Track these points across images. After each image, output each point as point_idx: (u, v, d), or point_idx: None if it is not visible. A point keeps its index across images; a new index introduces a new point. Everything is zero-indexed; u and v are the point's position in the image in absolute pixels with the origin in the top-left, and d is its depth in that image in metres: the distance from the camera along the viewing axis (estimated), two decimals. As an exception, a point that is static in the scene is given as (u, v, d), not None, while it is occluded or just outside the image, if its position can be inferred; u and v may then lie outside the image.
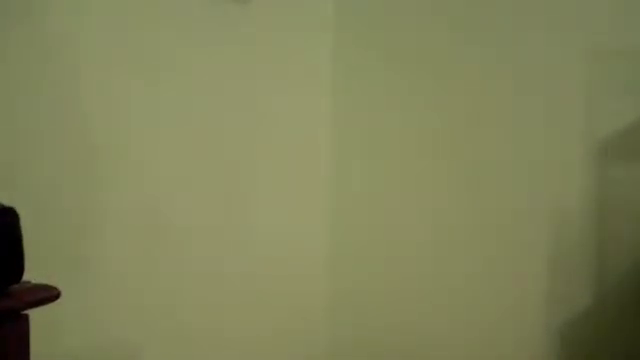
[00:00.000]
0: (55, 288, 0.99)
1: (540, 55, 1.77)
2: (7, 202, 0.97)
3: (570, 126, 1.77)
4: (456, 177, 1.89)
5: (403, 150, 1.95)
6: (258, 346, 1.78)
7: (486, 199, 1.86)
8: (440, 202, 1.92)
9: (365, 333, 1.99)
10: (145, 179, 1.52)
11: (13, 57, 1.29)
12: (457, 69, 1.85)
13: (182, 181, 1.60)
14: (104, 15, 1.43)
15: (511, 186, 1.83)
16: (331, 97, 2.01)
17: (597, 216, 1.75)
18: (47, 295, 0.98)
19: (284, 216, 1.88)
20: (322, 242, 2.02)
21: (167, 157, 1.56)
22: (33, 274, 0.98)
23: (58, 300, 0.99)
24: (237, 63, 1.73)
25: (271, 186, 1.84)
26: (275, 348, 1.83)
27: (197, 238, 1.64)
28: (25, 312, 0.96)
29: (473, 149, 1.87)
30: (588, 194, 1.76)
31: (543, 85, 1.79)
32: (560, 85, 1.77)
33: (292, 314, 1.90)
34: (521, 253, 1.83)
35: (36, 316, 0.97)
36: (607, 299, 1.76)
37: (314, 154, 1.99)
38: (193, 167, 1.62)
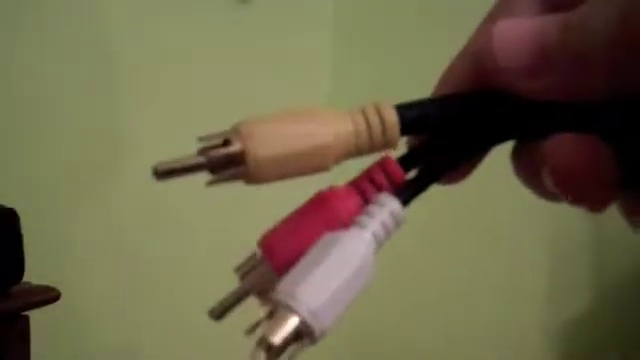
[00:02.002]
0: (55, 289, 0.99)
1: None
2: (7, 202, 0.97)
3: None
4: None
5: (401, 148, 1.95)
6: (254, 348, 1.78)
7: (485, 198, 1.86)
8: (439, 201, 1.91)
9: (365, 334, 1.99)
10: (143, 179, 1.52)
11: (16, 55, 1.29)
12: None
13: (180, 182, 1.60)
14: (102, 14, 1.43)
15: (510, 185, 1.83)
16: (331, 97, 2.01)
17: (597, 216, 1.75)
18: (47, 296, 0.98)
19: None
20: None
21: (166, 157, 1.56)
22: (33, 275, 0.99)
23: (58, 301, 0.99)
24: (236, 63, 1.73)
25: (268, 189, 1.84)
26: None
27: (196, 238, 1.64)
28: (25, 313, 0.96)
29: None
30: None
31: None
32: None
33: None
34: (521, 253, 1.83)
35: (36, 317, 0.98)
36: (607, 299, 1.76)
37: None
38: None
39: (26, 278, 0.96)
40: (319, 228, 0.29)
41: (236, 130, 0.28)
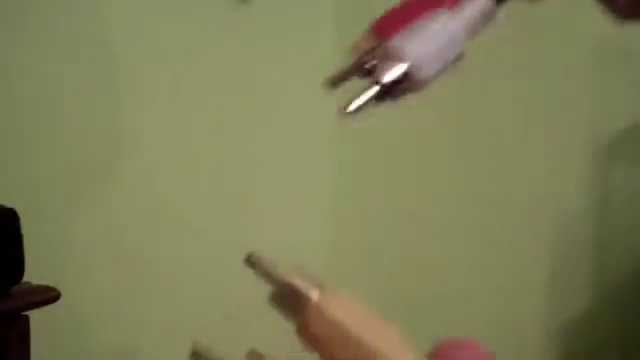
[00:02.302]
0: (55, 289, 0.99)
1: (540, 55, 1.77)
2: (7, 202, 0.97)
3: (571, 126, 1.77)
4: (456, 177, 1.89)
5: (403, 149, 1.95)
6: (257, 346, 1.78)
7: (486, 199, 1.86)
8: (440, 202, 1.92)
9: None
10: (143, 179, 1.52)
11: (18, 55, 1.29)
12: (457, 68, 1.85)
13: (181, 181, 1.60)
14: (102, 14, 1.43)
15: (511, 186, 1.83)
16: (331, 96, 2.01)
17: (597, 216, 1.75)
18: (47, 296, 0.98)
19: (284, 216, 1.87)
20: (322, 242, 2.02)
21: (166, 157, 1.56)
22: (33, 275, 0.99)
23: (58, 301, 0.99)
24: (237, 63, 1.73)
25: (271, 187, 1.84)
26: (274, 348, 1.83)
27: (196, 238, 1.64)
28: (25, 313, 0.96)
29: (473, 148, 1.87)
30: (588, 194, 1.76)
31: (543, 84, 1.79)
32: (561, 85, 1.77)
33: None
34: (521, 253, 1.83)
35: (36, 317, 0.98)
36: (607, 299, 1.76)
37: (315, 154, 1.99)
38: (193, 166, 1.62)
39: (26, 278, 0.96)
40: (420, 12, 0.37)
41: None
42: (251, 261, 0.35)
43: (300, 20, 1.92)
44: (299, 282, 0.32)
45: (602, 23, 1.73)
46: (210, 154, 1.67)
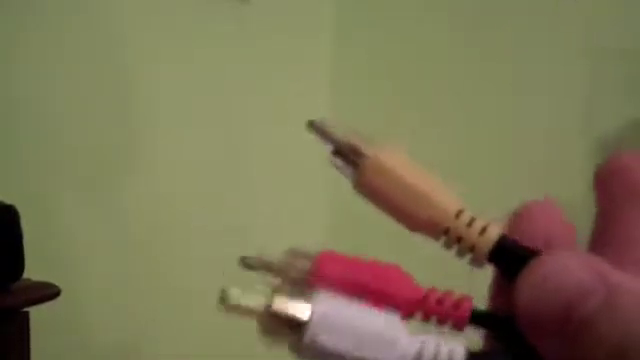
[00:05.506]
0: (55, 286, 0.99)
1: (540, 55, 1.77)
2: (7, 199, 0.97)
3: (570, 125, 1.78)
4: (455, 177, 1.89)
5: (400, 142, 1.95)
6: (257, 345, 1.78)
7: (486, 198, 1.86)
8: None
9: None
10: (142, 176, 1.52)
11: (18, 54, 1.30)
12: (457, 68, 1.85)
13: (181, 180, 1.60)
14: (104, 15, 1.44)
15: (511, 186, 1.83)
16: (331, 97, 2.01)
17: (595, 216, 1.75)
18: (47, 293, 0.98)
19: (283, 216, 1.88)
20: (321, 242, 2.02)
21: (166, 156, 1.57)
22: (33, 272, 0.99)
23: (58, 298, 0.99)
24: (236, 63, 1.73)
25: (269, 187, 1.84)
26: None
27: (196, 237, 1.64)
28: (25, 310, 0.97)
29: (473, 148, 1.87)
30: (588, 194, 1.76)
31: (543, 84, 1.79)
32: (560, 84, 1.77)
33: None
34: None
35: (36, 313, 0.98)
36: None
37: (314, 154, 1.99)
38: (192, 166, 1.62)
39: (26, 274, 0.96)
40: (373, 285, 0.30)
41: None
42: (314, 126, 0.32)
43: (300, 20, 1.92)
44: (357, 140, 0.30)
45: (600, 22, 1.73)
46: (207, 154, 1.67)
